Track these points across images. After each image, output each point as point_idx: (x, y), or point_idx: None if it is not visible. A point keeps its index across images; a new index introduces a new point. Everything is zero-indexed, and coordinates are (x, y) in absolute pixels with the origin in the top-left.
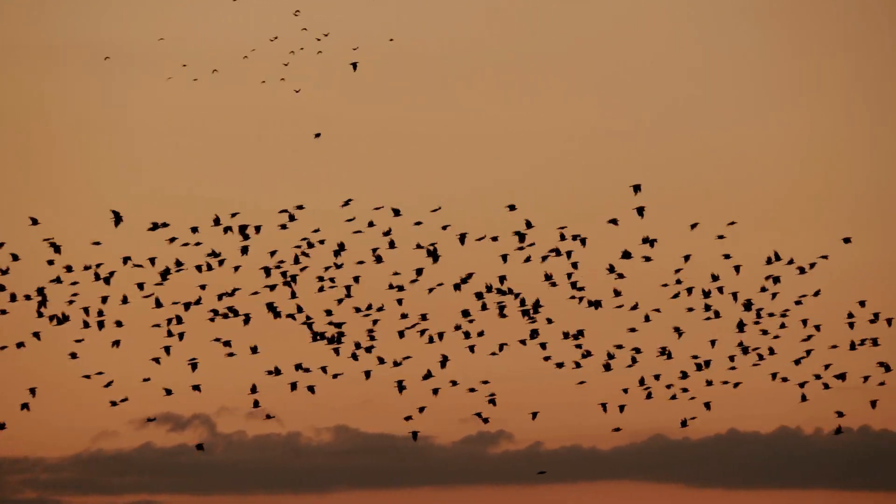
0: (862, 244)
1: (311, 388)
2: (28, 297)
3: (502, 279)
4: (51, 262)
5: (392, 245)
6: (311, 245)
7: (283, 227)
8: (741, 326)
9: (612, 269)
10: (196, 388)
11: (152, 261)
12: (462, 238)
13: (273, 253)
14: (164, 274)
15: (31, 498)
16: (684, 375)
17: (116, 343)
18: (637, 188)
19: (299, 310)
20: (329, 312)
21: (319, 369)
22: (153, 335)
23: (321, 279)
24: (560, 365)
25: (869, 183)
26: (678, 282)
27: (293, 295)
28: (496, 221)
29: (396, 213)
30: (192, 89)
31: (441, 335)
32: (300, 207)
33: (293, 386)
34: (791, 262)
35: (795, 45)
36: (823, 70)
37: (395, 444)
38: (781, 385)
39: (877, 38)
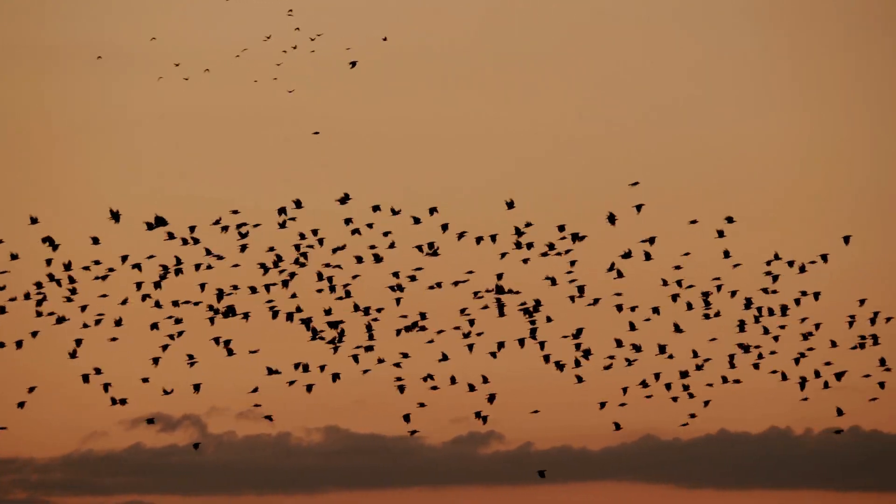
0: (862, 244)
1: (308, 388)
2: (27, 297)
3: (500, 276)
4: (49, 262)
5: (392, 245)
6: (310, 244)
7: (283, 225)
8: (742, 326)
9: (612, 267)
10: (196, 387)
11: (150, 258)
12: (461, 236)
13: (271, 249)
14: (163, 273)
15: (21, 498)
16: (684, 375)
17: (114, 339)
18: (635, 184)
19: (298, 309)
20: (328, 311)
21: (317, 369)
22: (150, 335)
23: (320, 278)
24: (559, 364)
25: (869, 183)
26: (678, 282)
27: (293, 295)
28: (495, 220)
29: (395, 212)
30: (185, 89)
31: (440, 332)
32: (299, 206)
33: (290, 383)
34: (791, 263)
35: (795, 46)
36: (823, 70)
37: (386, 445)
38: (773, 385)
39: (877, 38)
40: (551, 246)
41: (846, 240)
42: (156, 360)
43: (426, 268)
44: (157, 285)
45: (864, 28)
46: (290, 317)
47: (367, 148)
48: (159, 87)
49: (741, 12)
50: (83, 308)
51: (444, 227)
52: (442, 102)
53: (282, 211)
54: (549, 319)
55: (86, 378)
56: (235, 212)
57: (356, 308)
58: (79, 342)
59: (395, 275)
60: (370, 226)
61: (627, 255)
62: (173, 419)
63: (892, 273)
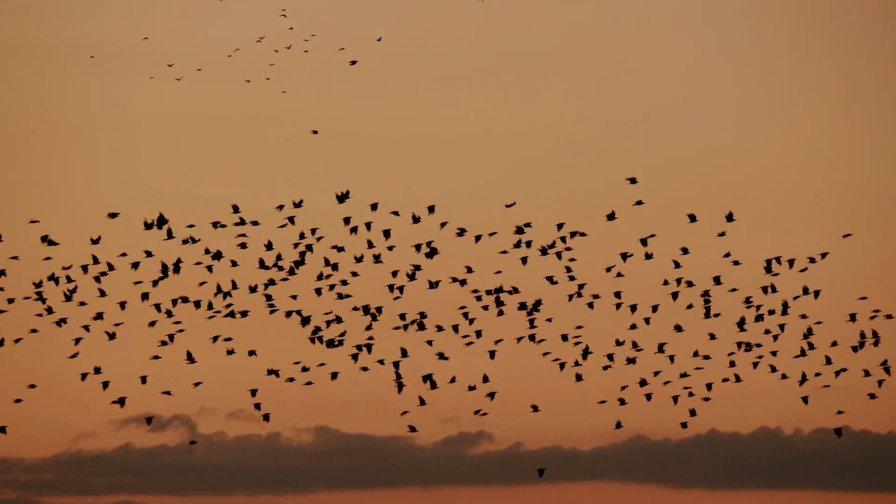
0: (861, 244)
1: (308, 383)
2: (27, 298)
3: (498, 272)
4: (48, 258)
5: (390, 248)
6: (309, 243)
7: (283, 226)
8: (741, 325)
9: (610, 269)
10: (197, 384)
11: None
12: (461, 232)
13: (269, 247)
14: (163, 272)
15: (10, 499)
16: (684, 375)
17: (112, 336)
18: (633, 181)
19: (298, 313)
20: (328, 313)
21: (315, 368)
22: (148, 335)
23: (319, 277)
24: (560, 363)
25: (869, 183)
26: (678, 280)
27: (293, 296)
28: (495, 220)
29: (394, 213)
30: (178, 88)
31: (439, 328)
32: (297, 205)
33: (289, 380)
34: (792, 262)
35: (795, 46)
36: (823, 70)
37: (377, 445)
38: (767, 385)
39: (877, 38)
40: (552, 244)
41: (846, 238)
42: (155, 358)
43: (425, 267)
44: (155, 283)
45: (864, 28)
46: (288, 314)
47: (364, 148)
48: (156, 86)
49: (741, 12)
50: (81, 304)
51: (443, 226)
52: (440, 102)
53: (280, 207)
54: (549, 320)
55: (83, 377)
56: (236, 210)
57: (355, 308)
58: (77, 341)
59: (394, 274)
60: (368, 226)
61: (626, 255)
62: (163, 419)
63: (891, 273)
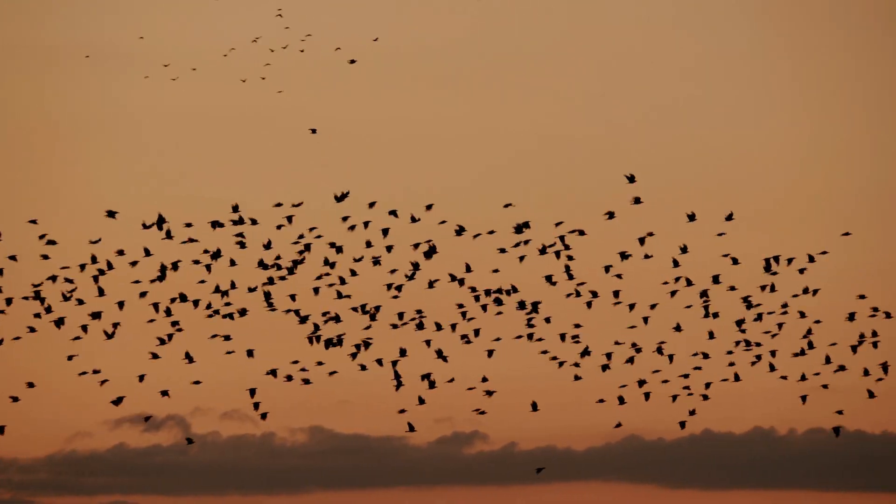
0: (861, 243)
1: (306, 381)
2: (26, 298)
3: (495, 271)
4: (46, 257)
5: (388, 248)
6: (308, 242)
7: (281, 226)
8: (740, 324)
9: (608, 269)
10: (197, 382)
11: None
12: (459, 231)
13: (267, 246)
14: (163, 271)
15: (5, 499)
16: (685, 375)
17: (111, 335)
18: (631, 178)
19: (297, 312)
20: (326, 313)
21: (314, 367)
22: (147, 335)
23: (318, 277)
24: (559, 362)
25: (868, 182)
26: (677, 279)
27: (292, 298)
28: (493, 219)
29: (392, 213)
30: (174, 88)
31: (439, 325)
32: (297, 205)
33: (288, 378)
34: (791, 261)
35: (795, 46)
36: (823, 70)
37: (371, 445)
38: (762, 385)
39: (877, 38)
40: (552, 244)
41: (845, 236)
42: (154, 357)
43: (424, 266)
44: (155, 282)
45: (864, 28)
46: (287, 312)
47: (361, 148)
48: (152, 86)
49: (740, 12)
50: (79, 302)
51: (441, 224)
52: (438, 101)
53: (277, 205)
54: (547, 321)
55: (81, 374)
56: (235, 209)
57: (354, 308)
58: (76, 339)
59: (392, 272)
60: (366, 225)
61: (625, 255)
62: (157, 419)
63: (891, 273)
